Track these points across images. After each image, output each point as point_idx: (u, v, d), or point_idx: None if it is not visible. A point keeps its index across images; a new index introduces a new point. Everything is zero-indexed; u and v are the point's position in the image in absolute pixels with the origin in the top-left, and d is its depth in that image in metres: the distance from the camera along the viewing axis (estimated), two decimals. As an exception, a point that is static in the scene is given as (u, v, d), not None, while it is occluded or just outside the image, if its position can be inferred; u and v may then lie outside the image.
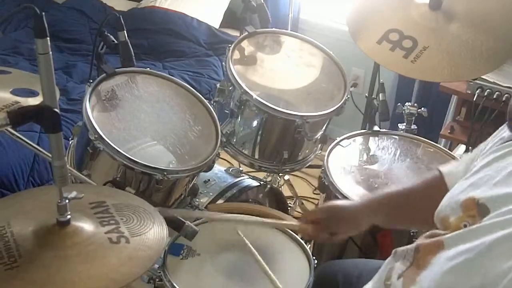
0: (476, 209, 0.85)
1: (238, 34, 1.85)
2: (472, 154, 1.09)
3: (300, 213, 2.35)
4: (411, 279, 0.91)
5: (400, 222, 1.25)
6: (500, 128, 1.01)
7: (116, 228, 1.00)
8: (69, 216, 0.98)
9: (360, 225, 1.23)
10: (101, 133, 1.38)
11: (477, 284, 0.77)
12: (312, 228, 1.27)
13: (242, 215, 1.38)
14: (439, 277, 0.83)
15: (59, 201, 0.96)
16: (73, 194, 0.99)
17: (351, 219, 1.24)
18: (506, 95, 2.05)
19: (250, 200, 1.77)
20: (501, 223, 0.80)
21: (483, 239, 0.80)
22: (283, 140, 1.71)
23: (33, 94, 1.19)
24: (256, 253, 1.31)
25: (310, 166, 1.92)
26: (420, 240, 0.95)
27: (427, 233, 0.95)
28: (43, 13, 0.88)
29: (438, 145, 1.83)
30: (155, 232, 1.03)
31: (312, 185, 2.75)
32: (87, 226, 0.99)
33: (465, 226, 0.86)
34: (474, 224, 0.84)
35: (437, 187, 1.12)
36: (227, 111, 1.73)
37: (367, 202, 1.26)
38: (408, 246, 0.97)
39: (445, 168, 1.17)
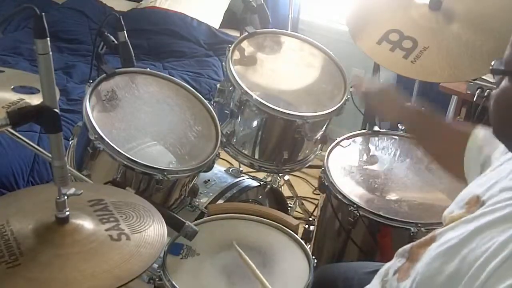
0: (477, 205, 0.87)
1: (238, 35, 1.85)
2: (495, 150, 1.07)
3: (300, 213, 2.35)
4: (404, 273, 0.93)
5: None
6: None
7: (116, 226, 1.01)
8: (67, 213, 0.98)
9: (392, 112, 1.42)
10: (101, 133, 1.39)
11: (454, 269, 0.79)
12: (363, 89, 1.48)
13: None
14: (426, 264, 0.86)
15: (58, 197, 0.97)
16: (72, 190, 0.99)
17: (393, 102, 1.40)
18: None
19: (250, 200, 1.78)
20: (487, 212, 0.82)
21: (468, 227, 0.82)
22: (283, 140, 1.71)
23: (32, 92, 1.19)
24: (250, 262, 1.30)
25: (310, 166, 1.91)
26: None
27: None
28: (43, 14, 0.88)
29: (438, 145, 1.82)
30: (155, 229, 1.04)
31: (312, 185, 2.74)
32: (87, 223, 0.99)
33: None
34: None
35: (457, 141, 1.16)
36: (227, 111, 1.73)
37: (407, 108, 1.40)
38: (407, 245, 0.99)
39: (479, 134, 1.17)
